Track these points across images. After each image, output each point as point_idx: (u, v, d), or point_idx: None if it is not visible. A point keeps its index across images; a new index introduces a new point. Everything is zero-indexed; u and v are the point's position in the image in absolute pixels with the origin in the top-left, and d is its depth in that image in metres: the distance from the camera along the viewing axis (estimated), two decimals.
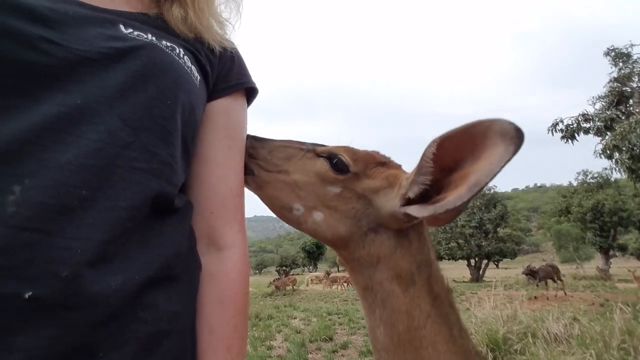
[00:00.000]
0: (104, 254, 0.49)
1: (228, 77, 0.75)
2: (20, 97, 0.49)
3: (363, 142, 0.81)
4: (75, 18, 0.55)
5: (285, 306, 12.86)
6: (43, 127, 0.48)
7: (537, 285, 14.38)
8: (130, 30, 0.60)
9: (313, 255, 58.65)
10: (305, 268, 62.59)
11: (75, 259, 0.46)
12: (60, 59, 0.51)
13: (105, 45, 0.55)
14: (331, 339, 6.91)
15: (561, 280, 14.45)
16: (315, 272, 39.96)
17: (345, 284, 22.05)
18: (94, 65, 0.53)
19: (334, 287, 22.34)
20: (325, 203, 0.75)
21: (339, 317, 9.72)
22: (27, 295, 0.43)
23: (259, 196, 0.82)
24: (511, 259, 37.25)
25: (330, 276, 24.11)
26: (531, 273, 15.55)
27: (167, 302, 0.57)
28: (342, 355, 5.90)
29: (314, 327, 8.16)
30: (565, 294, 13.01)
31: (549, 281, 14.67)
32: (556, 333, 5.42)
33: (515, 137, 0.56)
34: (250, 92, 0.80)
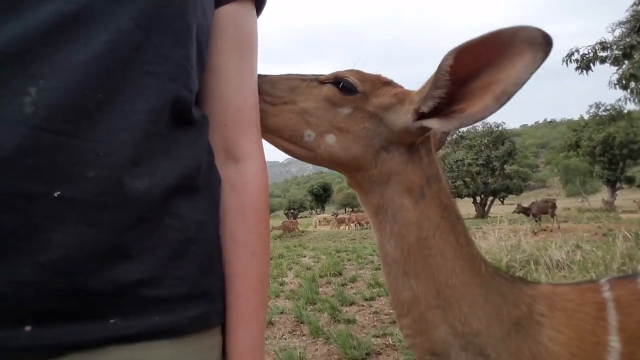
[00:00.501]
0: (128, 157, 0.49)
1: None
2: None
3: None
4: None
5: (295, 246, 13.36)
6: (52, 26, 0.46)
7: (536, 221, 14.66)
8: None
9: (320, 198, 59.88)
10: (313, 211, 64.21)
11: (100, 162, 0.46)
12: None
13: None
14: (340, 274, 7.22)
15: (555, 216, 14.66)
16: (322, 214, 41.01)
17: (352, 224, 22.68)
18: None
19: (341, 227, 23.02)
20: (336, 125, 0.76)
21: (347, 254, 10.10)
22: (56, 194, 0.44)
23: (263, 132, 0.81)
24: (517, 195, 37.70)
25: (337, 217, 24.73)
26: (523, 210, 15.81)
27: (192, 212, 0.57)
28: (351, 287, 6.18)
29: (324, 263, 8.51)
30: (559, 227, 13.23)
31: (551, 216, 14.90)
32: (558, 260, 5.61)
33: (543, 43, 0.54)
34: (257, 2, 0.76)
